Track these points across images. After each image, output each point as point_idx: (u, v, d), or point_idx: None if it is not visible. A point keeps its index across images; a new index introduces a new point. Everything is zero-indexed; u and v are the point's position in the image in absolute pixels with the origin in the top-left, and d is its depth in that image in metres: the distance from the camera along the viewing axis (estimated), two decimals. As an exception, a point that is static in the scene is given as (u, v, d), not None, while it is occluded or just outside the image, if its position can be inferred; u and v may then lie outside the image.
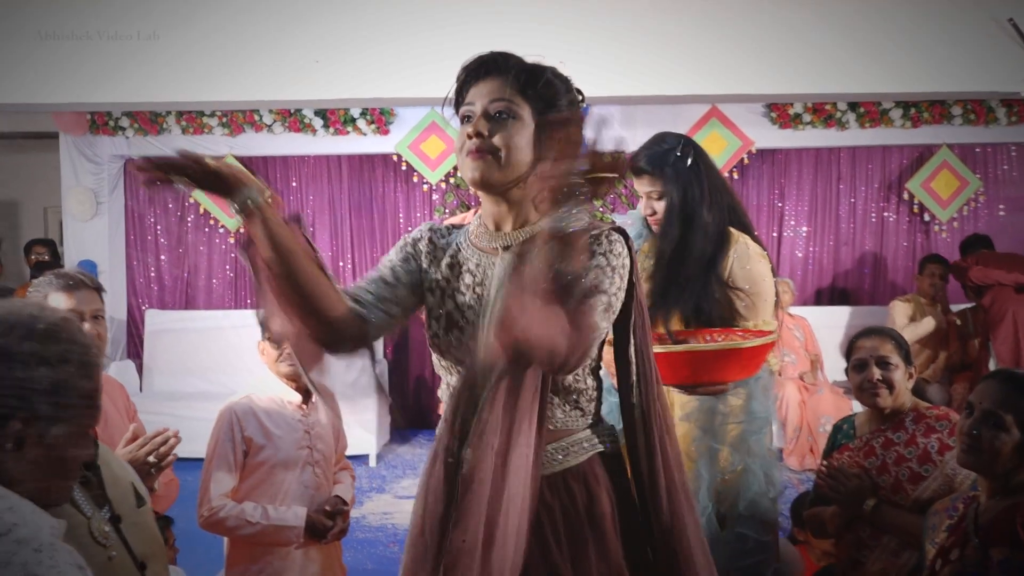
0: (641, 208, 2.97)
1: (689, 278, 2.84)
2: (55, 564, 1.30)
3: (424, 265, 2.00)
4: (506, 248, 1.90)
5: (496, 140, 1.80)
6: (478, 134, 1.80)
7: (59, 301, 2.44)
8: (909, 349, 2.95)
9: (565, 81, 1.91)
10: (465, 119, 1.86)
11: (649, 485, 1.93)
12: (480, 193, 1.91)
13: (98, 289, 2.59)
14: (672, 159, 2.86)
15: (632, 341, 1.95)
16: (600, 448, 1.96)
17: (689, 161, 2.87)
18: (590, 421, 1.98)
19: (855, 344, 2.98)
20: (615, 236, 1.82)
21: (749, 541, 2.85)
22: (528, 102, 1.83)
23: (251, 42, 5.31)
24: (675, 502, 1.93)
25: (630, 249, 1.85)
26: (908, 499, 2.73)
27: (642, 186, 2.92)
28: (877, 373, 2.86)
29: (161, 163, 1.72)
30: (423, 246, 2.02)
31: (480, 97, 1.84)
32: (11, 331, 1.43)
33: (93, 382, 1.52)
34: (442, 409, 1.99)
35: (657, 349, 2.49)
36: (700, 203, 2.86)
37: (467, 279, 1.94)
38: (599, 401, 2.01)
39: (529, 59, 1.89)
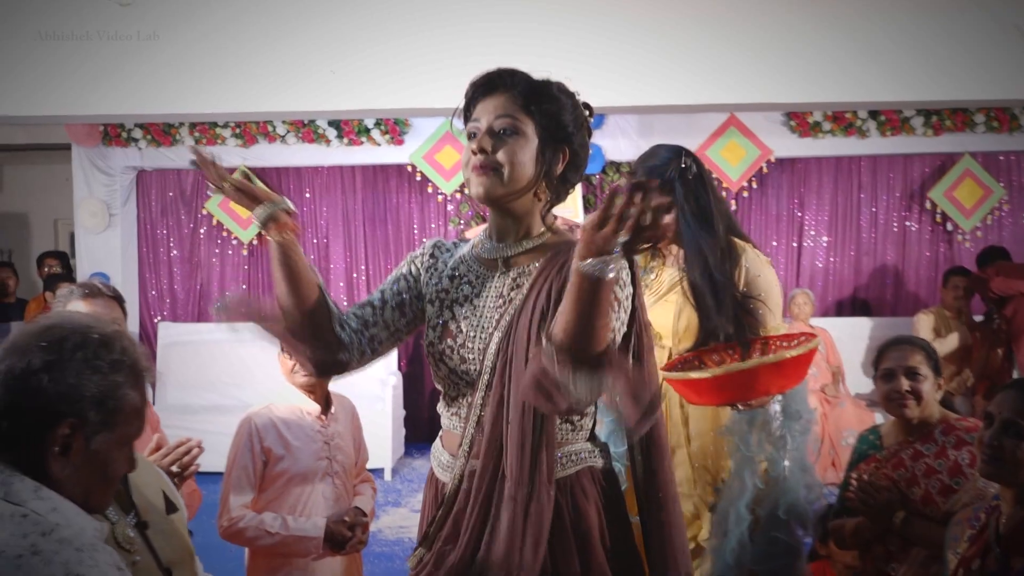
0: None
1: (723, 293, 2.82)
2: (96, 564, 1.36)
3: (424, 279, 2.09)
4: (506, 260, 1.98)
5: (499, 156, 1.87)
6: (482, 150, 1.87)
7: (78, 309, 2.49)
8: (939, 360, 2.91)
9: (571, 96, 1.96)
10: (471, 135, 1.92)
11: (646, 505, 1.98)
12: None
13: (117, 299, 2.66)
14: (677, 171, 2.83)
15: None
16: (591, 463, 1.97)
17: (693, 172, 2.85)
18: (581, 435, 1.99)
19: (884, 353, 2.93)
20: (622, 263, 1.81)
21: (780, 544, 2.85)
22: (532, 118, 1.89)
23: (265, 53, 5.29)
24: (674, 522, 1.98)
25: (634, 274, 1.87)
26: (939, 512, 2.68)
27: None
28: (905, 384, 2.81)
29: (203, 160, 1.89)
30: (421, 262, 2.11)
31: (485, 113, 1.90)
32: (66, 339, 1.48)
33: (140, 394, 1.57)
34: (443, 423, 2.06)
35: (716, 371, 2.58)
36: (712, 214, 2.85)
37: (465, 290, 2.01)
38: (593, 417, 2.03)
39: (537, 74, 1.95)
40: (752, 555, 2.81)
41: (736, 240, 2.90)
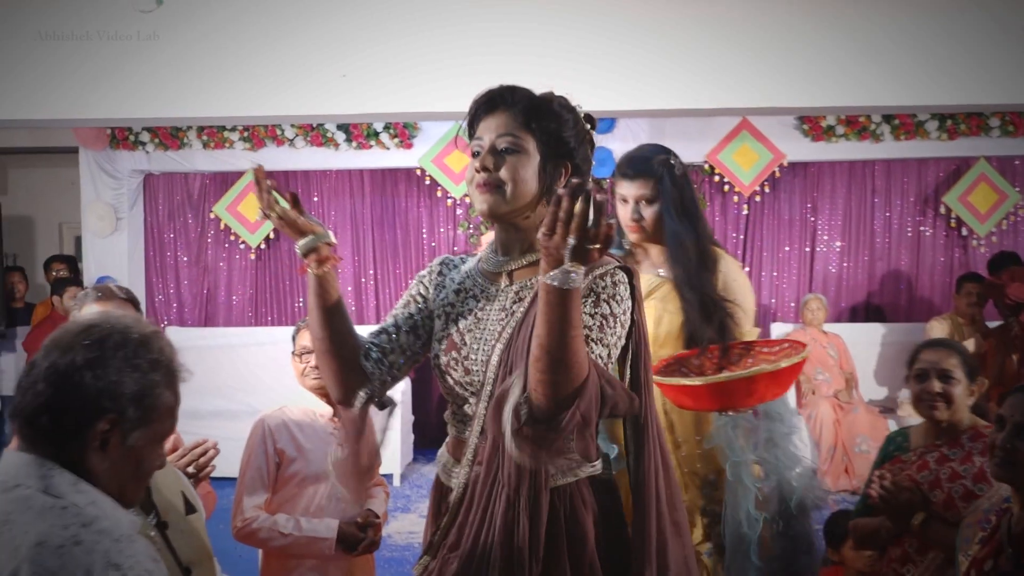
0: (625, 214, 2.91)
1: (708, 290, 2.86)
2: (133, 554, 1.43)
3: (432, 296, 2.14)
4: (510, 273, 2.02)
5: (502, 174, 1.91)
6: (485, 168, 1.92)
7: (93, 312, 2.52)
8: (975, 365, 2.89)
9: (572, 111, 1.99)
10: (475, 153, 1.97)
11: (637, 518, 1.97)
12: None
13: (131, 301, 2.72)
14: (666, 166, 2.86)
15: (628, 377, 1.99)
16: (590, 472, 1.98)
17: (679, 169, 2.88)
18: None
19: (918, 354, 2.92)
20: (619, 276, 1.90)
21: (799, 542, 2.88)
22: (533, 135, 1.94)
23: (274, 57, 5.26)
24: (665, 535, 1.96)
25: (633, 287, 1.92)
26: (959, 517, 2.65)
27: (631, 189, 2.88)
28: (937, 386, 2.81)
29: (259, 184, 1.95)
30: (429, 280, 2.17)
31: (488, 131, 1.95)
32: (108, 338, 1.54)
33: (174, 394, 1.64)
34: (449, 431, 2.11)
35: (717, 378, 2.63)
36: (695, 214, 2.89)
37: (470, 303, 2.05)
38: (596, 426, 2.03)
39: (543, 87, 1.99)
40: (773, 559, 2.82)
41: (712, 246, 2.95)
